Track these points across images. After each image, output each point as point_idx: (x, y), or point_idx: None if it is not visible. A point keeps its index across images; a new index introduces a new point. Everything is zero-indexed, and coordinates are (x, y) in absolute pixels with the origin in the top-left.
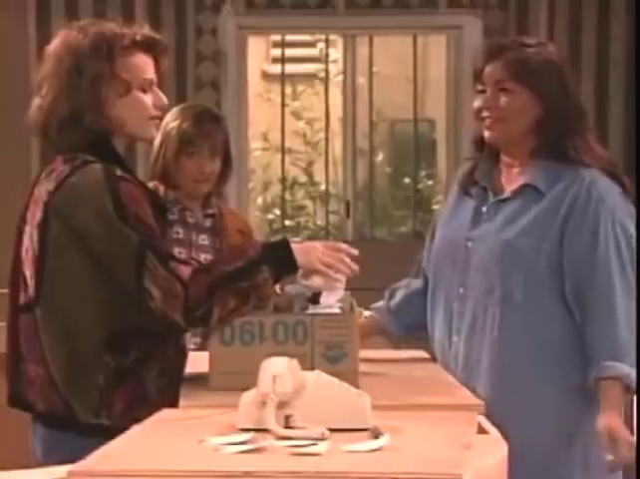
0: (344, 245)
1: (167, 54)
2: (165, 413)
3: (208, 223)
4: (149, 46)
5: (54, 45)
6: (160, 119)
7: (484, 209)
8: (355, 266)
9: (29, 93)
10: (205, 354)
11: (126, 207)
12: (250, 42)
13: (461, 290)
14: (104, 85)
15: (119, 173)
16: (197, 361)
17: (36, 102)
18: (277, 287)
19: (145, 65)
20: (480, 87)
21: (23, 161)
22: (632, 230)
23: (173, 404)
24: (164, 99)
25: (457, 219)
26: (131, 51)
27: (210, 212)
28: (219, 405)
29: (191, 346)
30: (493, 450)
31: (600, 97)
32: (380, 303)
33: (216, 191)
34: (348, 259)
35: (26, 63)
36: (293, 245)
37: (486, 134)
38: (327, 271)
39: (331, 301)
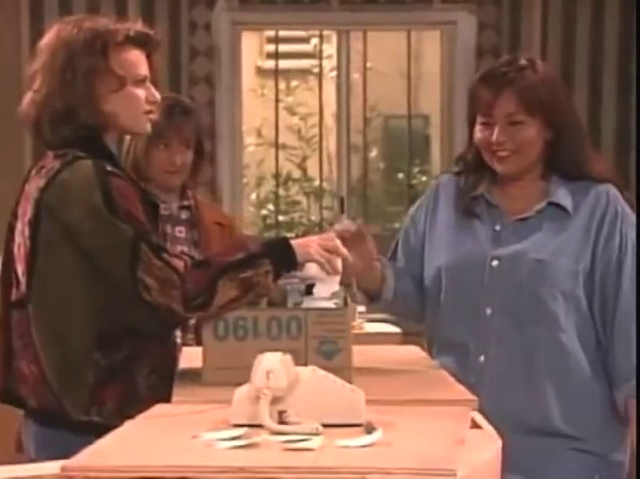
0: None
1: (160, 50)
2: (158, 409)
3: (184, 215)
4: (142, 42)
5: (47, 39)
6: (154, 113)
7: (498, 227)
8: (348, 255)
9: (22, 90)
10: (199, 349)
11: (116, 202)
12: (244, 37)
13: (488, 311)
14: (97, 80)
15: (109, 168)
16: (191, 356)
17: (29, 96)
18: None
19: (138, 61)
20: (483, 119)
21: (16, 157)
22: None
23: (166, 402)
24: (157, 94)
25: (466, 237)
26: (124, 47)
27: (186, 203)
28: (213, 401)
29: (188, 342)
30: (487, 445)
31: (593, 93)
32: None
33: (192, 182)
34: (343, 249)
35: (19, 61)
36: (292, 242)
37: (500, 167)
38: (323, 262)
39: (324, 294)
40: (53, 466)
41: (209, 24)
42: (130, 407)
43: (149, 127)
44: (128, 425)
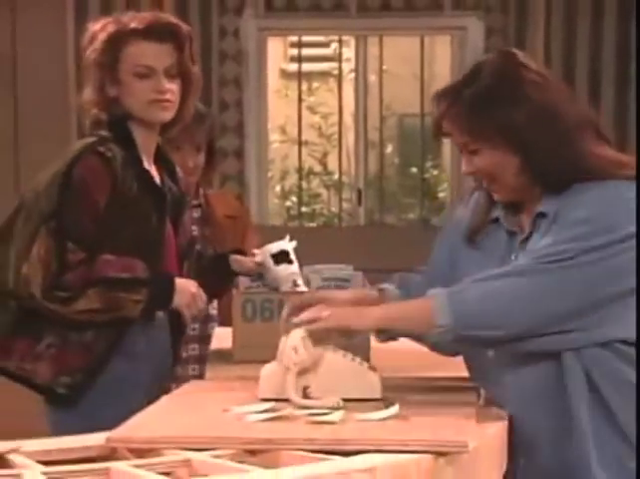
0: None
1: (184, 38)
2: (193, 385)
3: (196, 213)
4: (154, 34)
5: (84, 40)
6: (167, 101)
7: (514, 257)
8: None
9: (68, 87)
10: (228, 331)
11: (72, 174)
12: (270, 42)
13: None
14: (106, 75)
15: (100, 149)
16: (222, 337)
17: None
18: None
19: (145, 53)
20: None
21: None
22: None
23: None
24: (164, 83)
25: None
26: (135, 40)
27: (196, 202)
28: (242, 377)
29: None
30: (495, 420)
31: (593, 94)
32: (389, 287)
33: (204, 182)
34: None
35: (65, 59)
36: (176, 284)
37: (494, 196)
38: (187, 310)
39: (285, 288)
40: (99, 437)
41: (238, 30)
42: (29, 364)
43: (160, 115)
44: (165, 399)
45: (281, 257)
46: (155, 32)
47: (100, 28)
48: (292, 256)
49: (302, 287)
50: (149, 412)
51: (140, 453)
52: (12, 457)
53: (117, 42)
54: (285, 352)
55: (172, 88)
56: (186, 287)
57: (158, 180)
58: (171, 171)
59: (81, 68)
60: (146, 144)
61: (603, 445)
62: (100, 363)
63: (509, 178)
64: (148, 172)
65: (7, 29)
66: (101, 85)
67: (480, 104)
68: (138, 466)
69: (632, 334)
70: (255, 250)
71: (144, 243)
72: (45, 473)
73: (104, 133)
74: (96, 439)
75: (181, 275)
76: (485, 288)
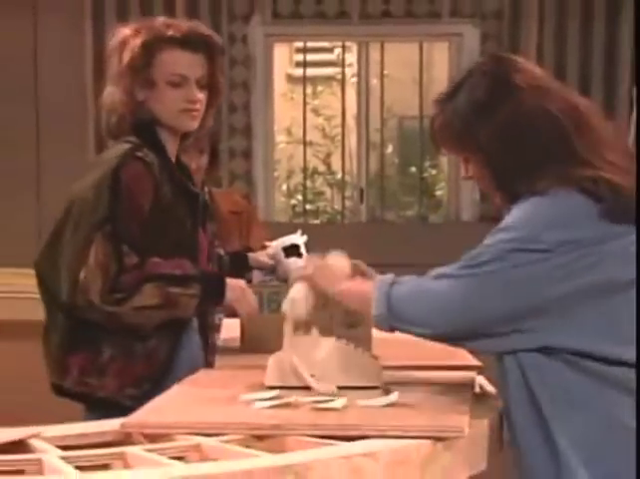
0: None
1: (217, 50)
2: (203, 373)
3: None
4: (188, 43)
5: (112, 43)
6: (196, 111)
7: None
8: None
9: (86, 91)
10: (237, 321)
11: (120, 179)
12: (276, 48)
13: None
14: (137, 78)
15: (139, 154)
16: (230, 327)
17: (110, 93)
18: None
19: (178, 61)
20: None
21: (80, 157)
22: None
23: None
24: (196, 93)
25: None
26: (169, 47)
27: None
28: (250, 366)
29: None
30: (490, 406)
31: (582, 95)
32: None
33: (211, 179)
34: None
35: (83, 64)
36: (227, 280)
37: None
38: (239, 304)
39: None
40: (114, 423)
41: (246, 37)
42: (91, 378)
43: (189, 124)
44: (177, 387)
45: (292, 251)
46: (191, 42)
47: (132, 32)
48: (302, 250)
49: None
50: (161, 399)
51: (153, 438)
52: (33, 442)
53: (152, 48)
54: (285, 304)
55: (202, 98)
56: (236, 284)
57: (189, 185)
58: (188, 175)
59: (104, 70)
60: (171, 149)
61: (536, 447)
62: (163, 371)
63: (491, 186)
64: (180, 177)
65: (29, 35)
66: (131, 88)
67: (456, 119)
68: (151, 450)
69: (589, 347)
70: (268, 243)
71: (183, 247)
72: (63, 457)
73: (132, 138)
74: (111, 425)
75: None
76: (421, 287)
